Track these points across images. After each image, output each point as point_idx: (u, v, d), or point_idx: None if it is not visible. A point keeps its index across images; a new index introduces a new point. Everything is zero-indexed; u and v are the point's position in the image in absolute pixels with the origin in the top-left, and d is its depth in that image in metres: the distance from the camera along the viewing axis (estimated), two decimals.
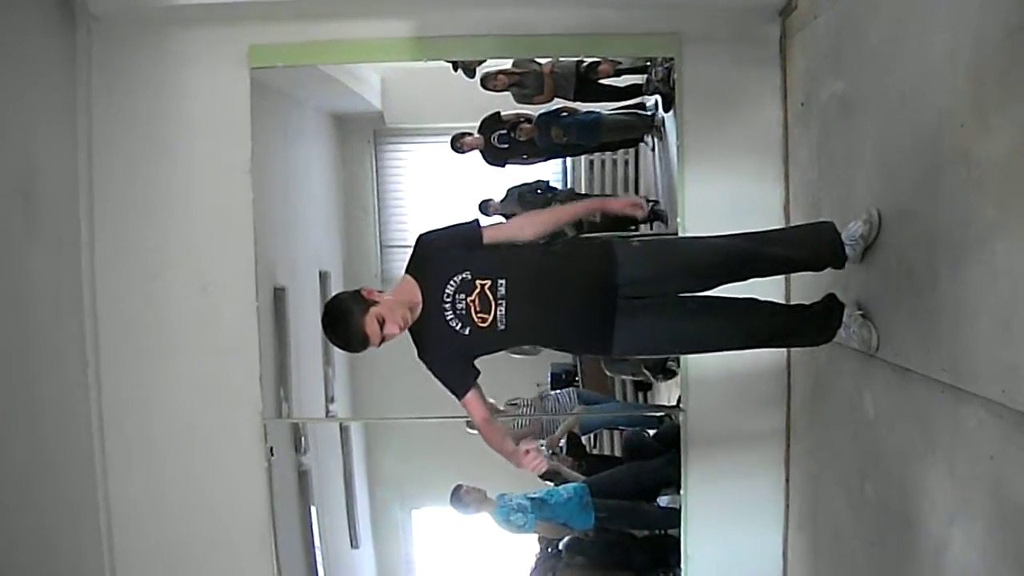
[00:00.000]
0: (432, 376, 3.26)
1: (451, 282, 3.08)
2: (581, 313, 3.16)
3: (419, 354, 3.22)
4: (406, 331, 3.10)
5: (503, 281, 3.08)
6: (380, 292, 3.08)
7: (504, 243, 3.17)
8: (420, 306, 3.10)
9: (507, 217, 6.10)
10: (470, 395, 3.23)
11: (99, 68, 4.46)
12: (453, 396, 3.27)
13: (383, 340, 3.00)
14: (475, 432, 5.59)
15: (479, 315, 3.08)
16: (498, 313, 3.08)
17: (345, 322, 2.98)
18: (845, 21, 3.67)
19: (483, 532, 5.88)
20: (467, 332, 3.10)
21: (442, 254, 3.13)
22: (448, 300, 3.08)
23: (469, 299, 3.07)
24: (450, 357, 3.20)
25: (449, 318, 3.09)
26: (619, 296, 3.13)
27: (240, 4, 4.38)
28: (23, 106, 3.96)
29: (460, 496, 5.55)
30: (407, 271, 3.18)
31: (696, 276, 3.27)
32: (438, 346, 3.17)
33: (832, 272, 3.40)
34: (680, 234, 4.47)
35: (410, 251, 3.21)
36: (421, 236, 3.21)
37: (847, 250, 3.24)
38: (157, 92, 4.54)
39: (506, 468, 5.89)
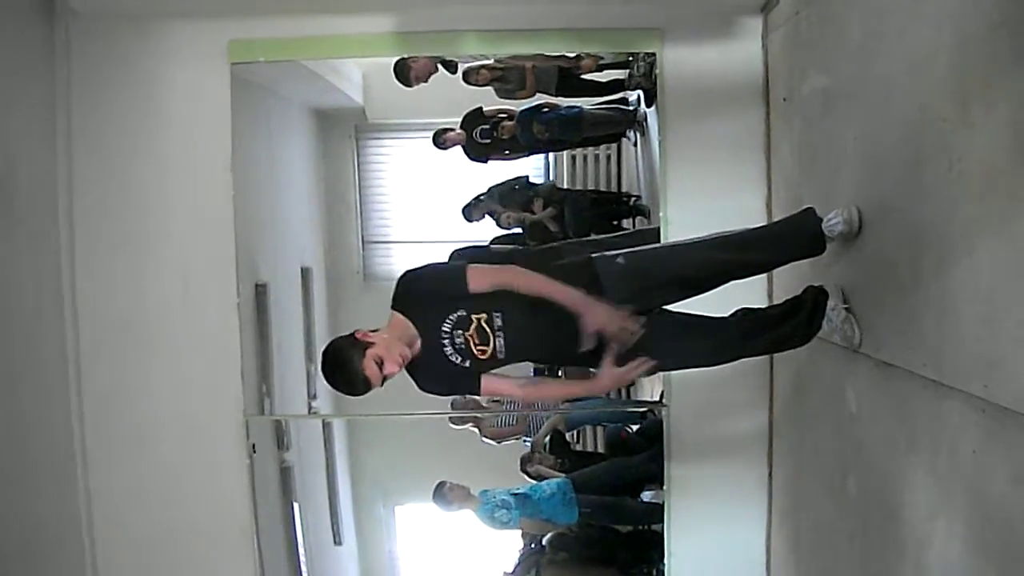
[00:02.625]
0: (437, 395, 3.34)
1: (447, 320, 3.08)
2: (573, 336, 3.14)
3: (420, 385, 3.22)
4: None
5: (499, 314, 3.09)
6: (374, 331, 3.04)
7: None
8: (418, 340, 3.08)
9: (491, 214, 6.11)
10: (485, 382, 3.21)
11: (78, 63, 4.43)
12: (471, 395, 3.29)
13: (384, 380, 2.99)
14: (459, 428, 5.64)
15: (479, 348, 3.10)
16: (497, 344, 3.10)
17: (344, 369, 2.97)
18: (827, 16, 3.68)
19: (466, 528, 5.87)
20: (468, 364, 3.13)
21: (431, 296, 3.12)
22: (446, 336, 3.09)
23: (467, 333, 3.09)
24: (453, 381, 3.23)
25: (449, 353, 3.10)
26: None
27: None
28: (0, 100, 3.93)
29: (443, 493, 5.55)
30: (395, 308, 3.13)
31: (681, 289, 3.30)
32: (439, 377, 3.19)
33: (813, 264, 3.40)
34: (663, 231, 4.48)
35: (394, 289, 3.16)
36: (407, 275, 3.17)
37: (826, 241, 3.25)
38: (137, 87, 4.52)
39: (488, 464, 5.91)
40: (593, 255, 3.24)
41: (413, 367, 3.14)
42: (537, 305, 3.12)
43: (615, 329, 3.08)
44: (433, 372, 3.16)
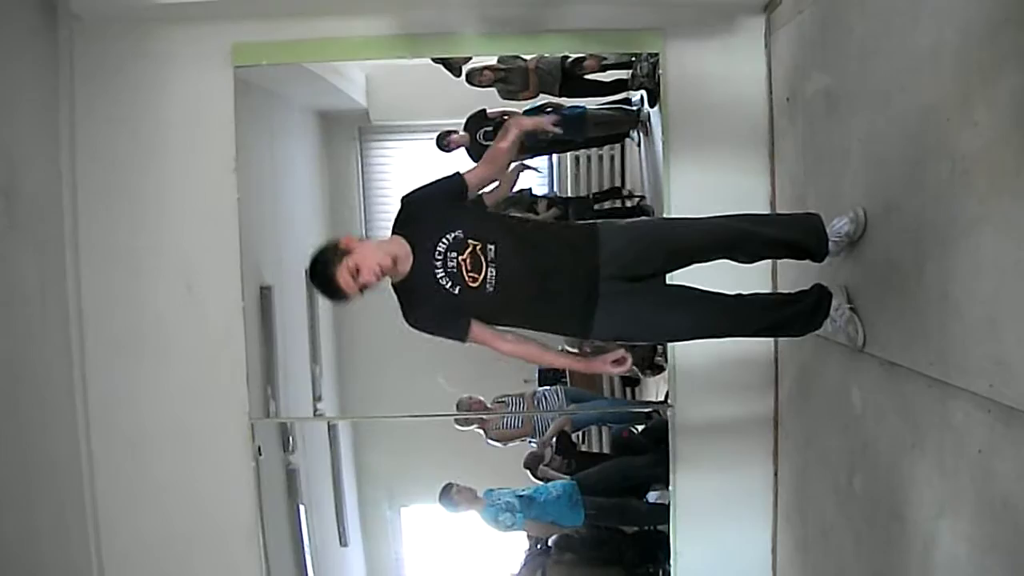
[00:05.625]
0: (426, 334, 3.24)
1: (443, 240, 3.10)
2: (565, 290, 3.15)
3: (406, 316, 3.19)
4: (394, 304, 3.13)
5: (493, 246, 3.10)
6: (361, 240, 3.10)
7: (495, 212, 3.17)
8: (409, 261, 3.11)
9: None
10: (475, 329, 3.18)
11: (81, 67, 4.44)
12: (458, 341, 3.22)
13: (363, 289, 3.01)
14: (464, 429, 5.64)
15: (470, 274, 3.09)
16: (488, 274, 3.09)
17: (322, 274, 3.03)
18: (829, 16, 3.68)
19: (472, 529, 5.87)
20: (456, 291, 3.11)
21: (432, 212, 3.16)
22: (440, 258, 3.10)
23: (460, 258, 3.09)
24: (441, 311, 3.17)
25: (440, 276, 3.10)
26: (602, 277, 3.14)
27: (223, 2, 4.36)
28: (3, 104, 3.93)
29: (450, 495, 5.55)
30: (394, 232, 3.19)
31: (682, 253, 3.28)
32: (427, 303, 3.15)
33: (818, 265, 3.41)
34: None
35: (395, 213, 3.23)
36: (406, 196, 3.24)
37: (831, 245, 3.25)
38: (140, 91, 4.52)
39: (494, 466, 5.90)
40: (599, 222, 3.29)
41: (405, 293, 3.16)
42: (532, 250, 3.15)
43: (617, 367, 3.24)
44: (422, 298, 3.14)
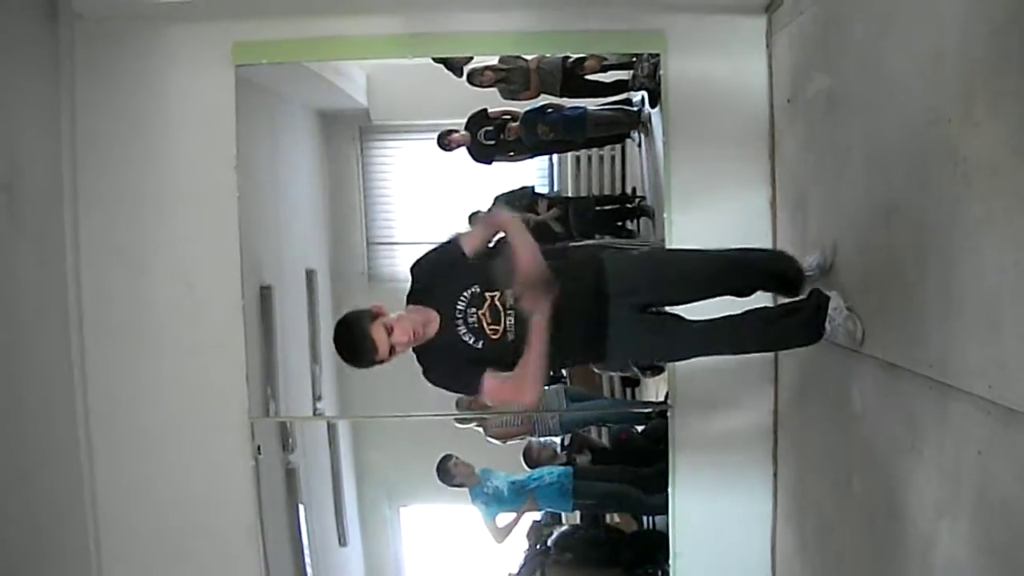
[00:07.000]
0: (442, 389, 3.28)
1: (462, 297, 3.13)
2: (579, 324, 3.19)
3: (426, 374, 3.21)
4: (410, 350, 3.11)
5: (510, 292, 3.11)
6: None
7: (504, 256, 3.15)
8: (436, 324, 3.12)
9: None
10: (488, 383, 3.13)
11: (83, 66, 4.43)
12: (470, 395, 3.25)
13: (392, 350, 2.99)
14: (464, 428, 5.64)
15: (491, 327, 3.13)
16: (507, 323, 3.13)
17: (351, 331, 3.00)
18: (830, 17, 3.67)
19: (471, 529, 5.88)
20: (480, 345, 3.14)
21: (445, 273, 3.17)
22: (460, 315, 3.13)
23: (480, 312, 3.13)
24: (460, 366, 3.17)
25: (463, 333, 3.13)
26: (612, 306, 3.21)
27: (224, 1, 4.37)
28: (5, 102, 3.93)
29: (448, 467, 5.61)
30: (410, 301, 3.18)
31: (687, 283, 3.36)
32: (449, 359, 3.17)
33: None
34: (667, 232, 4.49)
35: (409, 282, 3.23)
36: (414, 266, 3.24)
37: (806, 276, 3.46)
38: (141, 90, 4.52)
39: (494, 464, 5.90)
40: (603, 253, 3.33)
41: (424, 351, 3.16)
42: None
43: (538, 284, 3.03)
44: (445, 355, 3.15)
